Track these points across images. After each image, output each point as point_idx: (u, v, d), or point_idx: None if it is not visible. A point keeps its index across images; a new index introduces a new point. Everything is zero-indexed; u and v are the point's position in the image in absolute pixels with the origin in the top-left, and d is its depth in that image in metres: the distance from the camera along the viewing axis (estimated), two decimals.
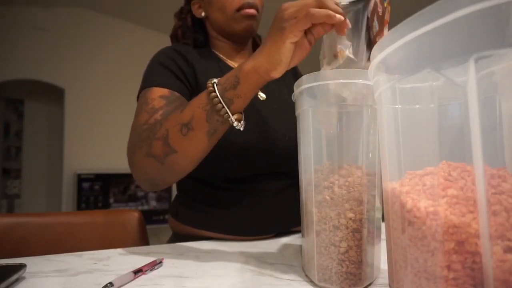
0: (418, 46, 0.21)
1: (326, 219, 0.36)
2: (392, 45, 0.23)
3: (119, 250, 0.53)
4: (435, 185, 0.21)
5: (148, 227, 0.82)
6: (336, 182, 0.36)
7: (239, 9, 0.64)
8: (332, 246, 0.35)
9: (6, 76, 3.69)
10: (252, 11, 0.65)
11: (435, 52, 0.21)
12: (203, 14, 0.71)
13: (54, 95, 4.10)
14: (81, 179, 3.88)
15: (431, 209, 0.21)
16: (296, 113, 0.43)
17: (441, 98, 0.23)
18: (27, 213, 0.70)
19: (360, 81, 0.35)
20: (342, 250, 0.35)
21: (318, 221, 0.36)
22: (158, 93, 0.57)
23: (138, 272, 0.39)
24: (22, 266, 0.39)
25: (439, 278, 0.20)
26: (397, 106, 0.25)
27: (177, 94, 0.57)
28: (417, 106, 0.25)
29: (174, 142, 0.46)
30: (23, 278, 0.39)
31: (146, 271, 0.41)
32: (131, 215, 0.76)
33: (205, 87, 0.45)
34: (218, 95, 0.43)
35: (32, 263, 0.43)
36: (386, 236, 0.29)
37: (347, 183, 0.36)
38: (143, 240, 0.75)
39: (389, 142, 0.27)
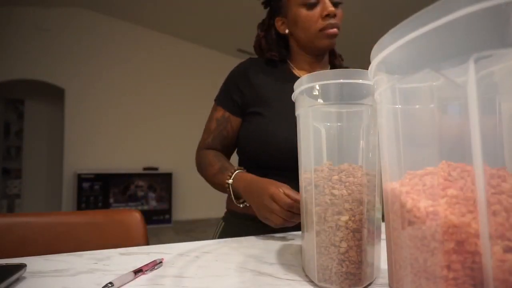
0: (418, 46, 0.21)
1: (326, 219, 0.36)
2: (392, 45, 0.23)
3: (119, 250, 0.53)
4: (435, 185, 0.21)
5: (148, 227, 0.82)
6: (337, 182, 0.36)
7: (322, 29, 0.72)
8: (332, 246, 0.35)
9: (6, 76, 3.69)
10: (334, 31, 0.73)
11: (435, 52, 0.21)
12: (286, 31, 0.79)
13: (54, 95, 4.10)
14: (81, 179, 3.88)
15: (431, 209, 0.21)
16: (296, 113, 0.43)
17: (441, 98, 0.22)
18: (27, 213, 0.70)
19: (360, 81, 0.35)
20: (342, 250, 0.35)
21: (318, 221, 0.36)
22: (217, 114, 0.79)
23: (138, 272, 0.39)
24: (22, 266, 0.39)
25: (439, 278, 0.20)
26: (397, 106, 0.25)
27: (226, 115, 0.78)
28: (417, 106, 0.24)
29: (208, 181, 0.77)
30: (23, 278, 0.39)
31: (146, 271, 0.41)
32: (131, 215, 0.76)
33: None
34: (232, 196, 0.69)
35: (32, 263, 0.43)
36: (386, 236, 0.29)
37: (347, 183, 0.36)
38: (143, 240, 0.75)
39: (389, 142, 0.27)
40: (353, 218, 0.35)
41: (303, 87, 0.39)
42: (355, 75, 0.35)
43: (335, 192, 0.36)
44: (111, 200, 4.10)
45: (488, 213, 0.18)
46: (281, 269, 0.43)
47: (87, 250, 0.52)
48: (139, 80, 4.29)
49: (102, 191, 4.02)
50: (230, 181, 0.68)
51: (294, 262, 0.46)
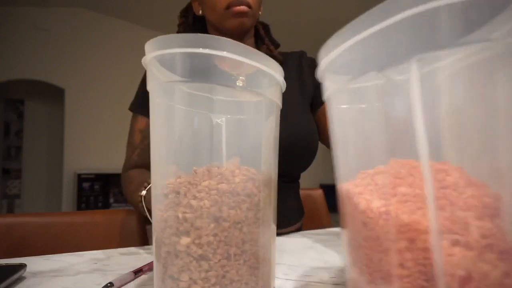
0: (362, 49, 0.21)
1: (164, 242, 0.27)
2: (339, 47, 0.23)
3: (119, 250, 0.53)
4: (386, 184, 0.22)
5: (148, 227, 0.82)
6: (203, 189, 0.27)
7: (228, 6, 0.63)
8: (169, 278, 0.26)
9: (6, 76, 3.69)
10: (241, 8, 0.63)
11: (379, 55, 0.21)
12: (200, 12, 0.71)
13: (54, 95, 4.10)
14: (81, 179, 3.88)
15: (383, 209, 0.21)
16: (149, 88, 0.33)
17: (386, 98, 0.23)
18: (27, 213, 0.70)
19: (258, 65, 0.27)
20: (182, 285, 0.26)
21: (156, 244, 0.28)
22: (139, 125, 0.71)
23: (138, 272, 0.39)
24: (22, 266, 0.39)
25: (393, 277, 0.20)
26: (345, 107, 0.25)
27: None
28: (364, 106, 0.24)
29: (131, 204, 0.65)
30: (23, 278, 0.39)
31: (146, 271, 0.41)
32: (131, 215, 0.76)
33: None
34: (145, 210, 0.53)
35: (32, 263, 0.43)
36: (342, 239, 0.29)
37: (213, 192, 0.27)
38: (143, 240, 0.75)
39: (341, 142, 0.27)
40: (197, 241, 0.25)
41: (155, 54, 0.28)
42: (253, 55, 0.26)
43: (193, 202, 0.26)
44: (111, 200, 4.10)
45: (435, 208, 0.18)
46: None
47: (87, 250, 0.52)
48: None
49: (102, 191, 4.01)
50: (143, 192, 0.53)
51: (297, 263, 0.46)
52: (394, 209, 0.20)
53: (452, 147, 0.20)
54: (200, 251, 0.25)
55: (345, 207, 0.26)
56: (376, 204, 0.22)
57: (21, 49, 3.72)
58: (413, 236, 0.19)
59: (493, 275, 0.17)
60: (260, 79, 0.29)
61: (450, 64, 0.21)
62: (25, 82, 3.86)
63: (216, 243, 0.26)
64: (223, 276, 0.26)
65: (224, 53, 0.25)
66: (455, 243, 0.17)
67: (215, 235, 0.26)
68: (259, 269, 0.28)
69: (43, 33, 3.82)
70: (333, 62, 0.25)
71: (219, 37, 0.26)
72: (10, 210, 4.30)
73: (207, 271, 0.25)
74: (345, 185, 0.26)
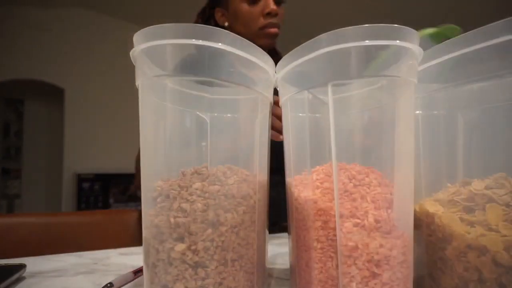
0: (299, 72, 0.28)
1: (157, 249, 0.26)
2: (288, 66, 0.28)
3: (119, 250, 0.53)
4: (318, 179, 0.28)
5: None
6: (194, 192, 0.26)
7: (263, 27, 0.70)
8: None
9: (6, 76, 3.69)
10: (274, 30, 0.71)
11: (308, 78, 0.27)
12: (226, 24, 0.75)
13: (54, 95, 4.10)
14: (81, 179, 3.88)
15: (309, 197, 0.27)
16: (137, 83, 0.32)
17: (314, 111, 0.28)
18: (27, 213, 0.70)
19: (253, 58, 0.27)
20: None
21: (147, 251, 0.26)
22: None
23: (138, 272, 0.39)
24: (22, 266, 0.39)
25: (311, 249, 0.26)
26: (292, 114, 0.31)
27: None
28: (303, 115, 0.29)
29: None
30: (23, 278, 0.39)
31: None
32: (131, 215, 0.76)
33: None
34: None
35: (32, 263, 0.43)
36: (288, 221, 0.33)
37: (207, 194, 0.26)
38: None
39: (290, 143, 0.31)
40: (193, 247, 0.24)
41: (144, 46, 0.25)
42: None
43: (185, 206, 0.25)
44: (111, 200, 4.09)
45: (349, 199, 0.25)
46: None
47: (87, 250, 0.52)
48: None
49: (102, 191, 4.01)
50: None
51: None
52: (316, 198, 0.27)
53: (365, 156, 0.27)
54: (196, 258, 0.24)
55: (288, 197, 0.32)
56: (305, 194, 0.28)
57: (21, 49, 3.72)
58: (326, 218, 0.26)
59: (372, 245, 0.23)
60: (255, 74, 0.28)
61: (356, 89, 0.28)
62: (25, 82, 3.86)
63: (213, 249, 0.24)
64: (220, 284, 0.25)
65: (219, 45, 0.25)
66: (356, 225, 0.24)
67: (212, 240, 0.24)
68: (254, 274, 0.28)
69: (43, 33, 3.82)
70: (285, 77, 0.30)
71: (216, 28, 0.25)
72: (10, 210, 4.30)
73: (203, 279, 0.24)
74: (289, 179, 0.32)
